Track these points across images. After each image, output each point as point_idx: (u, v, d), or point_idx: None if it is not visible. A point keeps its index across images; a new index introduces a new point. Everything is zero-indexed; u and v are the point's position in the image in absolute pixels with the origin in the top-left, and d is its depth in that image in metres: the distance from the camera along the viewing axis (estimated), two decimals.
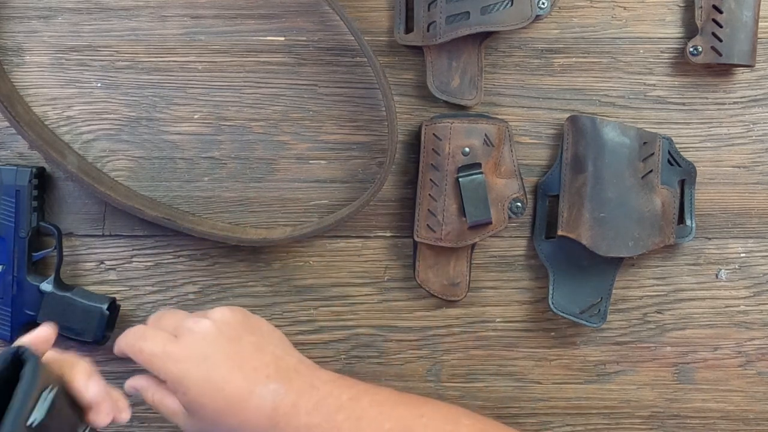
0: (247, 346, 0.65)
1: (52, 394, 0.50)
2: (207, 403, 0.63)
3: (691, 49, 0.75)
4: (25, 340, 0.55)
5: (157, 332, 0.67)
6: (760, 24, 0.75)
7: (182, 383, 0.63)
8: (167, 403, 0.66)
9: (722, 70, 0.77)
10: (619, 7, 0.77)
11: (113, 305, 0.76)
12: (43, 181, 0.77)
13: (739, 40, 0.74)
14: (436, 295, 0.77)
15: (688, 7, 0.77)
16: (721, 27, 0.74)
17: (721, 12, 0.74)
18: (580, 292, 0.77)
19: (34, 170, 0.75)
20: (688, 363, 0.79)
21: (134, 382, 0.68)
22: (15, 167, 0.75)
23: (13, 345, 0.52)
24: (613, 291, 0.77)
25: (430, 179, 0.75)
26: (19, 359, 0.50)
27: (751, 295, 0.79)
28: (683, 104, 0.78)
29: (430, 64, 0.76)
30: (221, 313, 0.67)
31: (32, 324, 0.71)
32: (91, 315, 0.75)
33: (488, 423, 0.66)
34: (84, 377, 0.55)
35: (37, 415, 0.48)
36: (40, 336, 0.56)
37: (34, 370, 0.49)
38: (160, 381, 0.66)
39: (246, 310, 0.69)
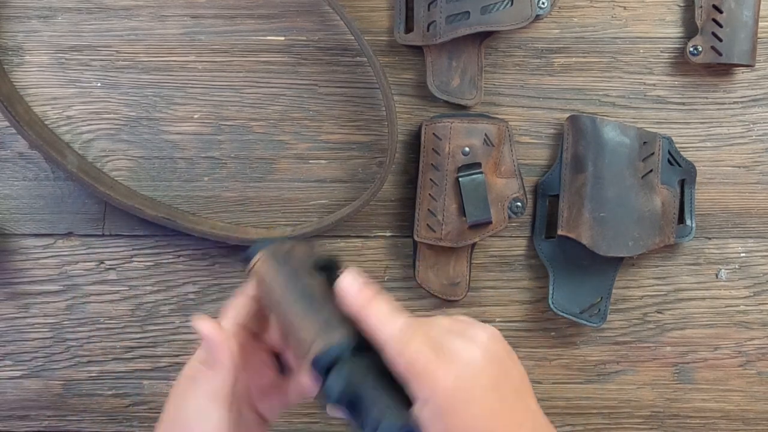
0: (510, 394, 0.55)
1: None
2: None
3: (691, 49, 0.75)
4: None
5: (417, 334, 0.54)
6: (760, 24, 0.75)
7: (439, 408, 0.52)
8: None
9: (722, 69, 0.77)
10: (619, 7, 0.77)
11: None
12: None
13: (739, 39, 0.74)
14: (436, 295, 0.77)
15: (688, 7, 0.77)
16: (721, 27, 0.74)
17: (721, 12, 0.74)
18: (580, 291, 0.77)
19: None
20: (688, 363, 0.79)
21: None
22: None
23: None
24: (613, 291, 0.77)
25: (430, 179, 0.75)
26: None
27: (751, 294, 0.79)
28: (683, 104, 0.78)
29: (430, 64, 0.76)
30: (489, 340, 0.56)
31: None
32: None
33: None
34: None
35: None
36: None
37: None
38: None
39: (503, 338, 0.58)
